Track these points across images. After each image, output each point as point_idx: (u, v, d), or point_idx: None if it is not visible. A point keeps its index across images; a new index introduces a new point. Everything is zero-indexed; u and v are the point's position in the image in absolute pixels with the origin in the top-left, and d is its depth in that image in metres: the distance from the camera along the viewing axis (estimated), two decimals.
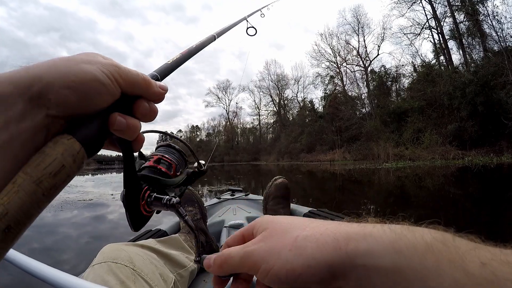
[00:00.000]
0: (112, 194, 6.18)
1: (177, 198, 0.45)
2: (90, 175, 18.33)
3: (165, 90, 0.37)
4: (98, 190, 7.33)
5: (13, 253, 0.55)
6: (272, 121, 50.92)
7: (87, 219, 4.07)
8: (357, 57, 32.51)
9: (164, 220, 1.45)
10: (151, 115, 0.36)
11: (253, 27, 1.09)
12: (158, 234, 1.17)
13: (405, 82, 26.66)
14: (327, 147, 30.15)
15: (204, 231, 1.17)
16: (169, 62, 0.49)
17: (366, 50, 31.64)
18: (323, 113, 33.98)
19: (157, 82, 0.37)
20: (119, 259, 0.63)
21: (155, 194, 0.45)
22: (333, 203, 4.39)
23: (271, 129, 51.38)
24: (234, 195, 2.12)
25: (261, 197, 1.86)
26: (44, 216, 3.78)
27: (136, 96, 0.35)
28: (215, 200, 1.99)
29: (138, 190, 0.44)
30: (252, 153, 49.87)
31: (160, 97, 0.37)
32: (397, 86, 27.54)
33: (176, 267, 0.83)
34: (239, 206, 1.81)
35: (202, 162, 0.56)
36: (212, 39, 0.64)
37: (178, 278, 0.80)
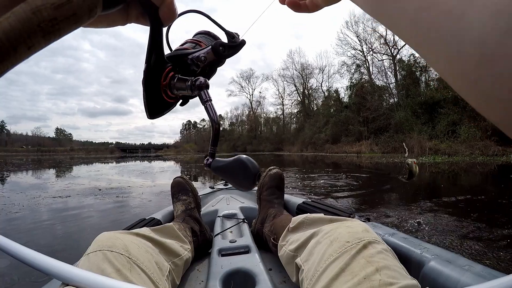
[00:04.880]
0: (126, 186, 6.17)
1: (205, 78, 0.41)
2: (114, 163, 18.98)
3: None
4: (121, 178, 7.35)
5: (8, 242, 0.53)
6: (296, 111, 50.49)
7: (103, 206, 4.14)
8: (384, 45, 31.35)
9: (158, 209, 1.46)
10: None
11: None
12: (152, 222, 1.18)
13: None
14: (353, 138, 29.52)
15: (198, 220, 1.18)
16: None
17: (394, 38, 30.14)
18: (349, 103, 33.22)
19: None
20: (115, 247, 0.62)
21: (179, 75, 0.41)
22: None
23: (294, 119, 50.98)
24: (227, 184, 2.13)
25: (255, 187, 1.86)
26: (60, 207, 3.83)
27: None
28: (208, 190, 2.00)
29: (161, 68, 0.40)
30: (275, 143, 49.76)
31: None
32: (427, 76, 26.40)
33: (170, 256, 0.83)
34: (232, 196, 1.83)
35: (237, 32, 0.48)
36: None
37: (173, 267, 0.80)
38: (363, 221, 1.00)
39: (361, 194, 4.81)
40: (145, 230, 0.82)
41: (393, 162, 13.62)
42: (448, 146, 16.31)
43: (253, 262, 0.91)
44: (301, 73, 47.18)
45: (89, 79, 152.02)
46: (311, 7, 0.41)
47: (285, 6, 0.44)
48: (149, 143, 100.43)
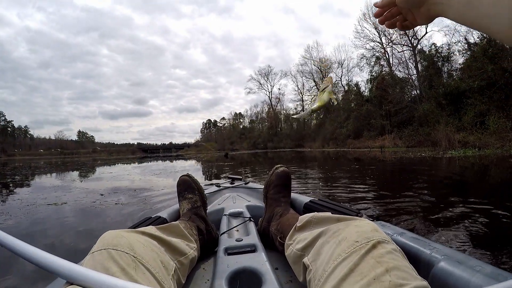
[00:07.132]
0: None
1: None
2: (136, 163, 19.15)
3: None
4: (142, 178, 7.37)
5: (11, 240, 0.53)
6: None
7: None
8: (404, 35, 30.23)
9: (164, 207, 1.44)
10: None
11: None
12: (158, 221, 1.18)
13: (459, 60, 24.23)
14: (375, 132, 28.84)
15: (204, 219, 1.18)
16: None
17: (413, 28, 29.14)
18: (370, 96, 32.48)
19: None
20: (120, 246, 0.61)
21: None
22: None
23: (315, 114, 50.29)
24: (233, 183, 2.13)
25: (261, 186, 1.92)
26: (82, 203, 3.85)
27: None
28: (214, 188, 2.00)
29: None
30: (296, 139, 49.32)
31: None
32: (450, 66, 25.24)
33: (176, 255, 0.82)
34: (238, 195, 1.81)
35: None
36: None
37: (178, 265, 0.79)
38: (371, 220, 0.97)
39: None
40: (150, 229, 0.82)
41: (420, 156, 13.07)
42: (477, 138, 15.45)
43: (260, 261, 0.89)
44: (319, 67, 46.52)
45: (108, 82, 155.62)
46: (406, 26, 0.63)
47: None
48: (170, 143, 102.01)
